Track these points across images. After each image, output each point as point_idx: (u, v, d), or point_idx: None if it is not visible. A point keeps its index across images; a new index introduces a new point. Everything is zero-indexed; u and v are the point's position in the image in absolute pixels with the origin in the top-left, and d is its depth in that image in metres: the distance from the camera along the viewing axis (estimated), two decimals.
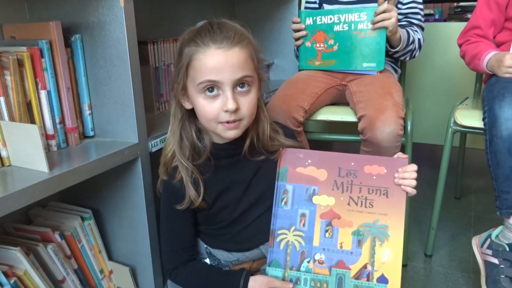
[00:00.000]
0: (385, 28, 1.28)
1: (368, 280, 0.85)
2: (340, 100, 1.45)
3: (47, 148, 0.97)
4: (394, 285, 0.84)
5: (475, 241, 1.26)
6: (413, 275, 1.40)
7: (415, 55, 1.42)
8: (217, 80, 0.80)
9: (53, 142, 0.97)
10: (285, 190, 0.92)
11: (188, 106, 0.88)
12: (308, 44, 1.41)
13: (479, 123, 1.28)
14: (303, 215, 0.91)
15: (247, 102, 0.83)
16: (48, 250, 0.99)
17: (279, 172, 0.93)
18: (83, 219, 1.10)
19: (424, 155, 2.39)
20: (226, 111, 0.81)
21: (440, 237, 1.59)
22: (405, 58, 1.44)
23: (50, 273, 1.00)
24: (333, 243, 0.88)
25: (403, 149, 1.23)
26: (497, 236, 1.19)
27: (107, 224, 1.16)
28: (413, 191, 0.87)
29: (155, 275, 1.13)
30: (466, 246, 1.53)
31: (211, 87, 0.81)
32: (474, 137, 1.85)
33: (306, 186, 0.91)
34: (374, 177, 0.89)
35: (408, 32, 1.37)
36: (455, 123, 1.37)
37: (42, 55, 0.92)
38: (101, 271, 1.15)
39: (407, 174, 0.87)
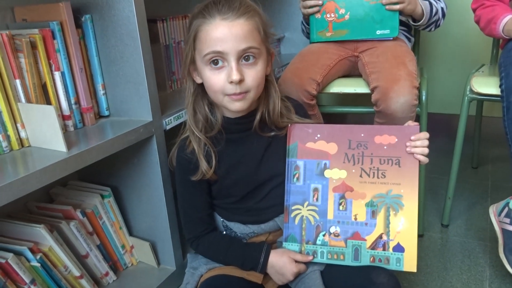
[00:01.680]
0: None
1: (384, 249, 0.86)
2: (352, 72, 1.43)
3: (64, 129, 0.99)
4: (410, 253, 0.85)
5: (492, 210, 1.26)
6: (429, 245, 1.41)
7: (439, 24, 1.39)
8: (221, 50, 0.80)
9: (69, 123, 1.00)
10: (296, 166, 0.92)
11: (198, 80, 0.89)
12: (318, 15, 1.37)
13: (496, 90, 1.25)
14: (315, 189, 0.91)
15: (253, 74, 0.83)
16: (71, 227, 1.02)
17: (289, 149, 0.93)
18: (102, 196, 1.13)
19: (439, 125, 2.35)
20: (231, 82, 0.81)
21: (456, 207, 1.58)
22: (430, 29, 1.41)
23: (74, 249, 1.04)
24: (347, 216, 0.89)
25: (417, 120, 1.22)
26: None
27: (126, 201, 1.19)
28: (425, 159, 0.87)
29: (174, 249, 1.17)
30: (483, 215, 1.52)
31: (216, 59, 0.82)
32: (491, 105, 1.80)
33: (317, 160, 0.92)
34: (385, 147, 0.89)
35: (430, 3, 1.33)
36: (471, 91, 1.34)
37: (54, 37, 0.94)
38: (123, 247, 1.19)
39: (419, 142, 0.86)
